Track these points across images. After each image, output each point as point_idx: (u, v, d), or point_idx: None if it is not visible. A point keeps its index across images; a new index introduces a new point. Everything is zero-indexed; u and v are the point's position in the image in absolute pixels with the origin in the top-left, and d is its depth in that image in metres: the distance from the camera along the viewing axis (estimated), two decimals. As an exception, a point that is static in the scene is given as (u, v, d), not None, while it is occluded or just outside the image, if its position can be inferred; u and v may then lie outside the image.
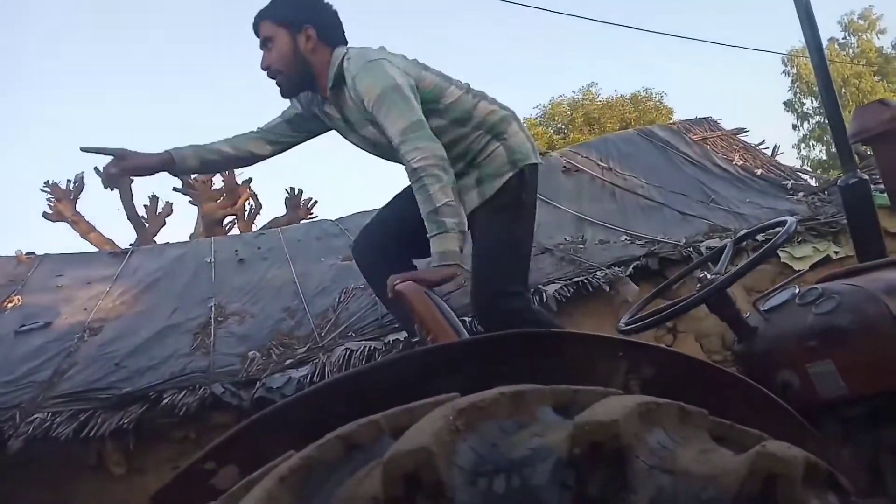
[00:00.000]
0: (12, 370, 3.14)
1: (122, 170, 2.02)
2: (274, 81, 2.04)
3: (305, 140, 2.31)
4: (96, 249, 8.16)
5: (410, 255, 2.28)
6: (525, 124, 2.55)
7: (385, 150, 2.16)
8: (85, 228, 9.14)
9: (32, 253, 4.89)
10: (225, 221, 10.09)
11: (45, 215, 9.19)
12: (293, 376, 2.80)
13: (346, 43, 2.08)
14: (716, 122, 6.48)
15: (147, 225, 9.96)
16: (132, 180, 10.09)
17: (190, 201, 10.20)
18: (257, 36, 2.01)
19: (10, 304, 3.93)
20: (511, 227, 2.08)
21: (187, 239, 9.12)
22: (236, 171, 10.07)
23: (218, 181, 10.17)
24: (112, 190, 2.08)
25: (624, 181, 5.24)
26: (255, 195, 10.36)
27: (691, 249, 3.69)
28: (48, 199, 9.23)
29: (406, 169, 1.89)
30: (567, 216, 4.66)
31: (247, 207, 10.28)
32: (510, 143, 2.09)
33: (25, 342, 3.43)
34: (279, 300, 3.83)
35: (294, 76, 2.01)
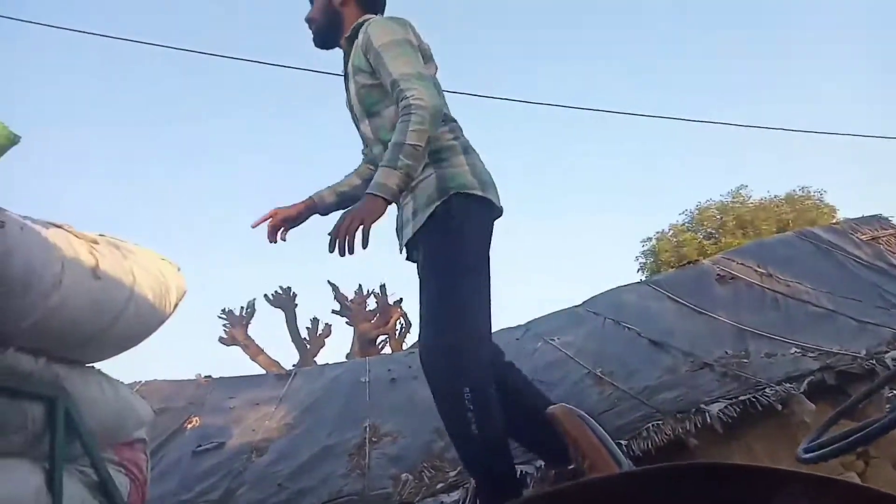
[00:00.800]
0: (190, 488, 3.37)
1: (277, 224, 2.22)
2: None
3: None
4: (264, 371, 8.76)
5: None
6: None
7: (359, 110, 2.09)
8: (255, 351, 9.92)
9: (209, 376, 5.38)
10: (378, 340, 10.53)
11: (220, 340, 10.14)
12: (444, 501, 2.77)
13: (382, 12, 2.16)
14: (887, 219, 5.96)
15: (308, 346, 10.64)
16: (297, 305, 10.93)
17: (346, 322, 10.81)
18: None
19: (189, 425, 4.29)
20: (441, 268, 1.87)
21: (344, 358, 9.58)
22: (388, 292, 10.63)
23: (371, 302, 10.74)
24: (275, 243, 2.25)
25: (787, 287, 4.88)
26: (406, 314, 10.79)
27: (874, 362, 3.31)
28: (224, 325, 10.22)
29: (400, 103, 1.85)
30: (725, 328, 4.39)
31: (398, 326, 10.69)
32: (445, 172, 1.94)
33: (201, 461, 3.70)
34: (429, 420, 3.86)
35: (323, 25, 2.14)
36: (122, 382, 2.48)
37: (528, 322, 5.48)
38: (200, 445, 3.90)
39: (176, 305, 2.53)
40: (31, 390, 1.91)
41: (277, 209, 2.24)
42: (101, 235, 2.22)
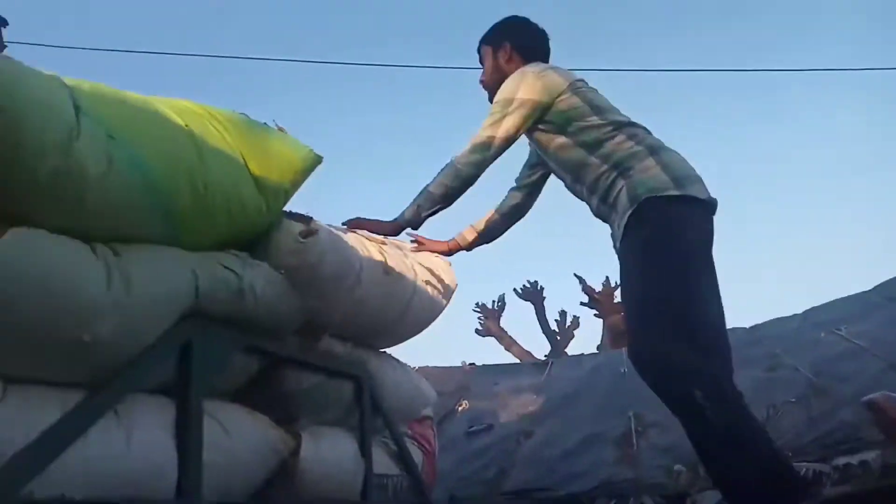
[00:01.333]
0: (466, 466, 3.64)
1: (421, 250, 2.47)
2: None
3: (544, 175, 2.40)
4: (518, 361, 9.09)
5: None
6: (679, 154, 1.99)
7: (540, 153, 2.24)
8: (508, 342, 10.36)
9: (473, 363, 5.75)
10: (630, 332, 10.28)
11: (476, 331, 10.77)
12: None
13: (545, 60, 2.23)
14: None
15: (559, 337, 10.80)
16: (545, 297, 11.15)
17: (595, 314, 10.74)
18: (479, 58, 2.33)
19: (460, 408, 4.63)
20: (641, 276, 1.85)
21: (595, 350, 9.54)
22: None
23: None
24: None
25: None
26: (658, 305, 10.35)
27: None
28: (478, 318, 10.83)
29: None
30: None
31: (650, 317, 10.33)
32: (633, 180, 1.90)
33: (474, 442, 3.97)
34: (698, 413, 3.69)
35: (493, 86, 2.21)
36: (409, 366, 2.78)
37: (806, 311, 4.94)
38: (472, 427, 4.18)
39: (450, 297, 2.77)
40: (342, 370, 2.24)
41: (427, 240, 2.46)
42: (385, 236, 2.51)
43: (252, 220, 1.84)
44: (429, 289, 2.51)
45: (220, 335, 1.69)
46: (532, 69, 2.10)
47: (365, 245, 2.28)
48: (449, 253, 2.51)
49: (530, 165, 2.46)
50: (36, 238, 1.20)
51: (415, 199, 2.19)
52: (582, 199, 2.15)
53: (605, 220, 2.10)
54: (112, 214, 1.34)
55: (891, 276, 4.84)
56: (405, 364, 2.70)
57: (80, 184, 1.22)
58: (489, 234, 2.48)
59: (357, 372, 2.27)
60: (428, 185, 2.17)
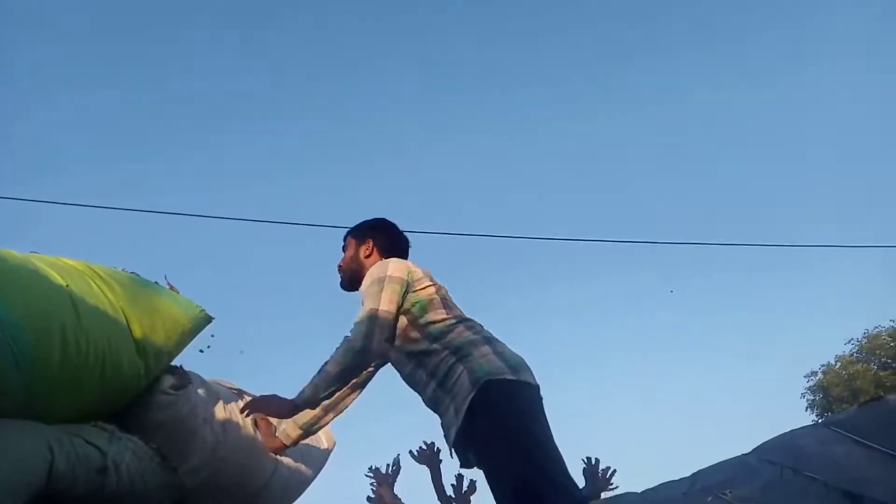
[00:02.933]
0: None
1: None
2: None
3: (371, 376, 2.41)
4: (411, 532, 8.52)
5: None
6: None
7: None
8: (402, 511, 9.74)
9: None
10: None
11: (368, 499, 10.07)
12: None
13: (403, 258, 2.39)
14: None
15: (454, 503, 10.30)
16: (441, 461, 10.76)
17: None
18: (343, 245, 2.52)
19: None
20: (493, 453, 1.97)
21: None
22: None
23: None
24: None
25: None
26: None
27: None
28: (371, 484, 10.19)
29: None
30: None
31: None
32: (472, 364, 2.07)
33: None
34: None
35: (347, 273, 2.40)
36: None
37: (694, 474, 5.02)
38: None
39: (329, 452, 2.69)
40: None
41: (264, 433, 2.33)
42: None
43: (127, 384, 1.71)
44: (302, 447, 2.41)
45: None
46: (394, 259, 2.31)
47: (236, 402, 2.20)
48: (277, 451, 2.38)
49: None
50: None
51: (313, 379, 2.12)
52: (417, 388, 2.23)
53: (435, 410, 2.18)
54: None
55: (766, 438, 5.05)
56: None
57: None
58: (313, 428, 2.41)
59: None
60: (325, 364, 2.12)
